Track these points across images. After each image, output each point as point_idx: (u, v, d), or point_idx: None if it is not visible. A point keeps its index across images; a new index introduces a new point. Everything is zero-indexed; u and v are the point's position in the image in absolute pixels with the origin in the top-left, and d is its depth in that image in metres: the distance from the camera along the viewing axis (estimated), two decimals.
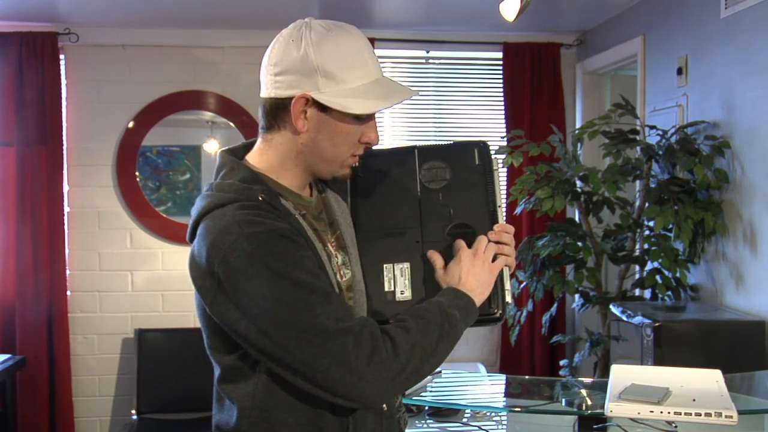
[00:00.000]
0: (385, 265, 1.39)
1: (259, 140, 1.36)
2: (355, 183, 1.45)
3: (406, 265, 1.38)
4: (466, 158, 1.44)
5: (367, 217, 1.42)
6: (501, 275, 1.37)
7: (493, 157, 1.45)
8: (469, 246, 1.35)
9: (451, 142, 1.48)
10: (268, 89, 1.30)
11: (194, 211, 1.30)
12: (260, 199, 1.26)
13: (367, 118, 1.31)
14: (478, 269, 1.32)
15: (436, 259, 1.36)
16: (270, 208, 1.26)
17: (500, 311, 1.37)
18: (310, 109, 1.27)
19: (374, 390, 1.18)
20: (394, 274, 1.38)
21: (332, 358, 1.16)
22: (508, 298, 1.38)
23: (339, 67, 1.26)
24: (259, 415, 1.29)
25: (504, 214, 1.42)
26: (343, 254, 1.38)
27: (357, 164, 1.37)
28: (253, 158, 1.36)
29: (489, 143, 1.47)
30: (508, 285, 1.38)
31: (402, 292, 1.37)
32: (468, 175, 1.42)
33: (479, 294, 1.32)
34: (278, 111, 1.30)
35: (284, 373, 1.21)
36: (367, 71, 1.29)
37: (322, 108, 1.27)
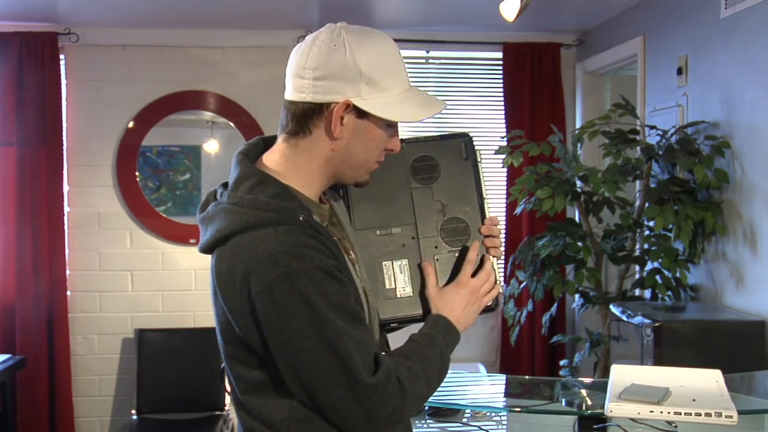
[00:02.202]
0: (384, 263, 1.40)
1: (282, 144, 1.31)
2: (347, 184, 1.45)
3: (405, 262, 1.40)
4: (453, 152, 1.46)
5: (361, 214, 1.43)
6: (493, 267, 1.42)
7: (476, 149, 1.48)
8: (466, 233, 1.42)
9: (437, 134, 1.50)
10: (303, 93, 1.25)
11: (220, 224, 1.24)
12: (301, 219, 1.22)
13: (395, 126, 1.32)
14: (470, 305, 1.39)
15: (430, 273, 1.40)
16: (312, 231, 1.22)
17: (494, 302, 1.43)
18: (348, 116, 1.25)
19: (377, 428, 1.25)
20: (393, 272, 1.40)
21: (356, 404, 1.21)
22: (501, 289, 1.48)
23: (382, 74, 1.25)
24: (300, 427, 1.28)
25: (488, 205, 1.48)
26: (358, 264, 1.38)
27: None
28: (273, 163, 1.31)
29: (471, 135, 1.50)
30: (499, 276, 1.44)
31: (403, 289, 1.40)
32: (456, 168, 1.45)
33: (463, 327, 1.39)
34: (312, 116, 1.26)
35: (300, 396, 1.24)
36: (403, 79, 1.30)
37: (360, 114, 1.26)
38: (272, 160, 1.31)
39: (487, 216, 1.44)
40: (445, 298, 1.38)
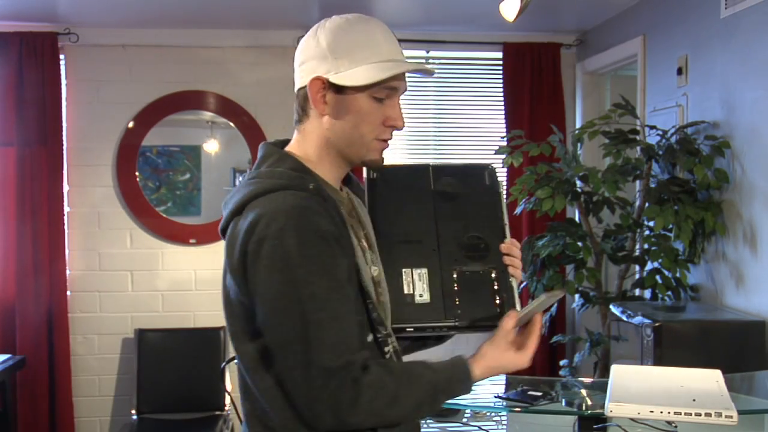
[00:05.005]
0: (404, 270, 1.44)
1: (295, 134, 1.40)
2: (373, 192, 1.51)
3: (424, 271, 1.43)
4: (475, 177, 1.53)
5: (385, 224, 1.48)
6: (511, 286, 1.43)
7: (498, 180, 1.54)
8: (486, 250, 1.44)
9: (462, 163, 1.57)
10: (297, 82, 1.36)
11: (238, 197, 1.31)
12: (311, 187, 1.28)
13: (387, 99, 1.33)
14: (503, 367, 1.38)
15: (509, 323, 1.37)
16: (319, 198, 1.28)
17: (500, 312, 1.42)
18: (329, 93, 1.32)
19: (313, 418, 1.22)
20: (412, 278, 1.43)
21: (303, 380, 1.20)
22: (518, 307, 1.42)
23: (348, 47, 1.30)
24: (283, 404, 1.27)
25: (509, 229, 1.51)
26: (370, 252, 1.41)
27: (383, 150, 1.39)
28: (295, 150, 1.39)
29: (495, 168, 1.57)
30: (516, 294, 1.44)
31: (421, 295, 1.42)
32: (478, 192, 1.52)
33: (479, 378, 1.36)
34: (305, 100, 1.35)
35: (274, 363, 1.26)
36: (377, 51, 1.31)
37: (339, 90, 1.31)
38: (291, 147, 1.40)
39: (508, 238, 1.47)
40: (497, 352, 1.37)
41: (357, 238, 1.36)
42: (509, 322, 1.35)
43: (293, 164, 1.33)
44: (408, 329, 1.42)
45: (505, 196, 1.53)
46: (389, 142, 1.38)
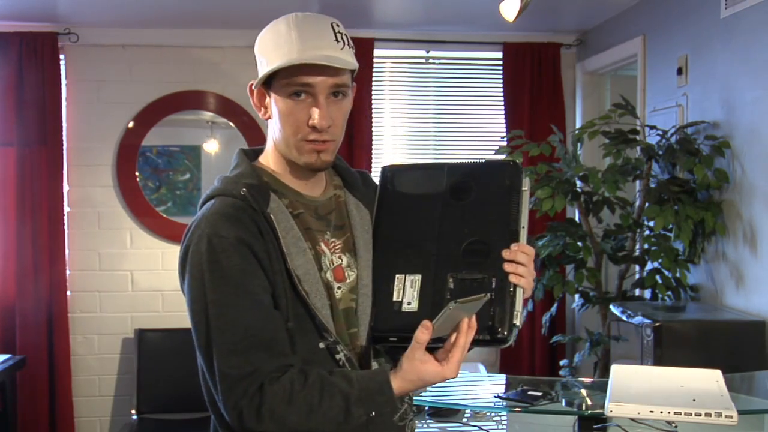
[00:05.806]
0: (397, 275, 1.37)
1: None
2: (383, 195, 1.46)
3: (418, 277, 1.36)
4: (493, 177, 1.40)
5: (388, 227, 1.43)
6: (514, 296, 1.30)
7: (523, 177, 1.39)
8: (486, 256, 1.32)
9: (483, 160, 1.48)
10: None
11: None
12: (242, 193, 1.29)
13: (308, 97, 1.30)
14: (429, 382, 1.25)
15: (421, 335, 1.22)
16: (245, 205, 1.28)
17: (506, 332, 1.30)
18: (266, 97, 1.36)
19: (229, 416, 1.25)
20: (404, 285, 1.37)
21: (213, 384, 1.24)
22: (518, 321, 1.31)
23: (264, 50, 1.35)
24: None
25: (525, 233, 1.36)
26: (349, 257, 1.38)
27: (320, 151, 1.33)
28: (263, 156, 1.42)
29: (520, 163, 1.43)
30: (519, 307, 1.31)
31: (409, 303, 1.35)
32: (494, 193, 1.39)
33: (402, 391, 1.26)
34: None
35: None
36: (287, 50, 1.29)
37: (268, 93, 1.35)
38: (262, 155, 1.44)
39: (521, 242, 1.33)
40: (406, 368, 1.24)
41: (313, 243, 1.33)
42: (423, 333, 1.21)
43: (243, 169, 1.36)
44: (391, 339, 1.36)
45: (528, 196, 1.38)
46: (326, 143, 1.32)
